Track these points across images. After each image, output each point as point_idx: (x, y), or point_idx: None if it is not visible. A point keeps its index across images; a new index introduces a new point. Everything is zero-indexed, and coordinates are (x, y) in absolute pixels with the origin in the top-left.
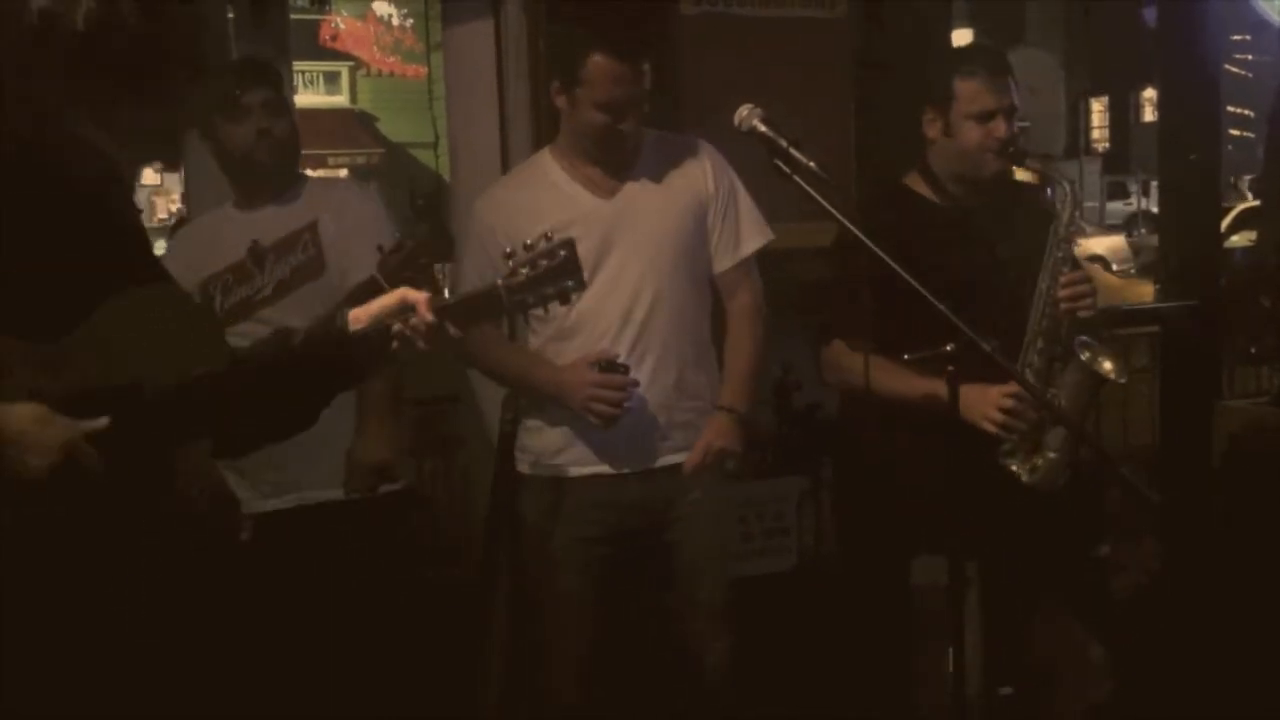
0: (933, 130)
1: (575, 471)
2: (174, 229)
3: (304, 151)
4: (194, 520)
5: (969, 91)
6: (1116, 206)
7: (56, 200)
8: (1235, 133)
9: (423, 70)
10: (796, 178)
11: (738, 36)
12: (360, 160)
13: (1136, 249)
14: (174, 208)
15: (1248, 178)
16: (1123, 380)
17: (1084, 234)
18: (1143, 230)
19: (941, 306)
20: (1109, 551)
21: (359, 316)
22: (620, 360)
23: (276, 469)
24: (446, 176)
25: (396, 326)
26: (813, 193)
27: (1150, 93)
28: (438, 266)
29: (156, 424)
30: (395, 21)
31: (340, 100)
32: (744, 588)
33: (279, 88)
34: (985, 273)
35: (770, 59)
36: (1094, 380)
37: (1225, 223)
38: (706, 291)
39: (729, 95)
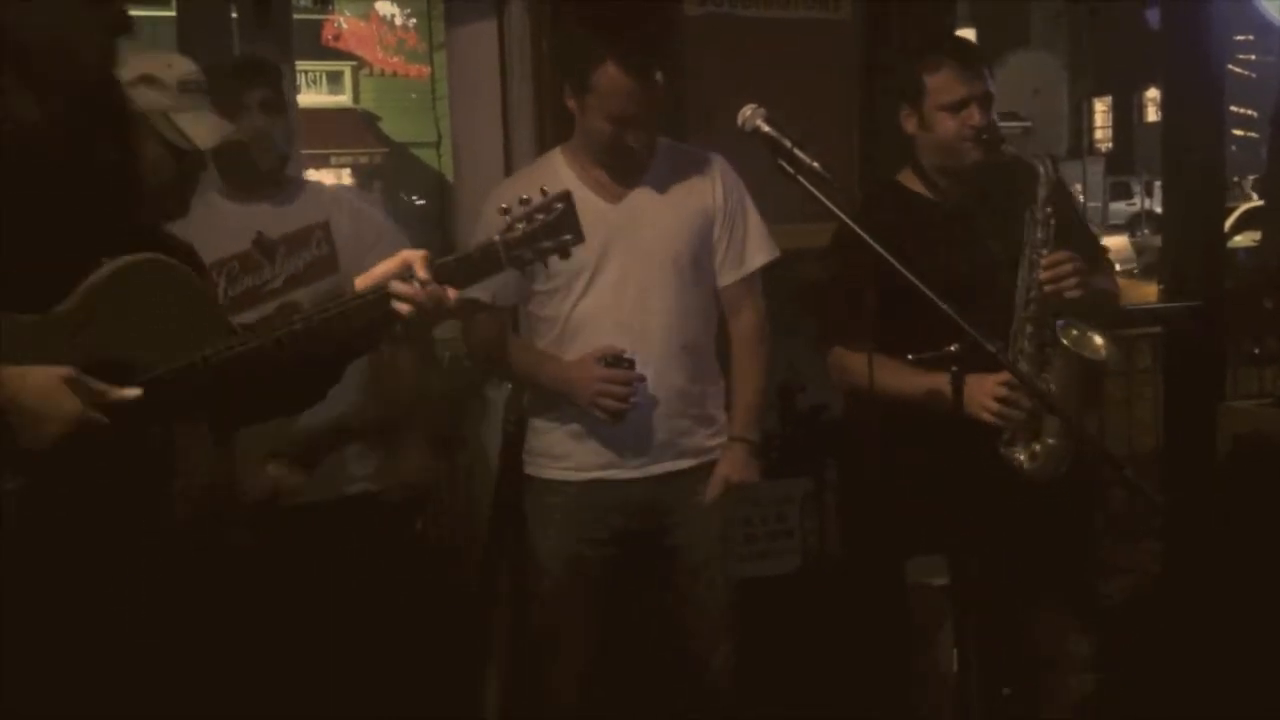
0: (910, 125)
1: (580, 475)
2: None
3: (306, 151)
4: (194, 517)
5: (938, 83)
6: (1120, 207)
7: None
8: (1239, 133)
9: (426, 70)
10: (800, 178)
11: (742, 38)
12: (363, 160)
13: (1140, 249)
14: None
15: (1251, 178)
16: (1113, 357)
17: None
18: (1146, 231)
19: (944, 306)
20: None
21: (362, 283)
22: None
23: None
24: (449, 176)
25: (395, 284)
26: (816, 193)
27: (1154, 93)
28: None
29: (158, 397)
30: (398, 21)
31: (343, 100)
32: (747, 589)
33: (278, 86)
34: (984, 267)
35: (774, 61)
36: (1081, 363)
37: (1229, 223)
38: (712, 304)
39: (732, 96)
